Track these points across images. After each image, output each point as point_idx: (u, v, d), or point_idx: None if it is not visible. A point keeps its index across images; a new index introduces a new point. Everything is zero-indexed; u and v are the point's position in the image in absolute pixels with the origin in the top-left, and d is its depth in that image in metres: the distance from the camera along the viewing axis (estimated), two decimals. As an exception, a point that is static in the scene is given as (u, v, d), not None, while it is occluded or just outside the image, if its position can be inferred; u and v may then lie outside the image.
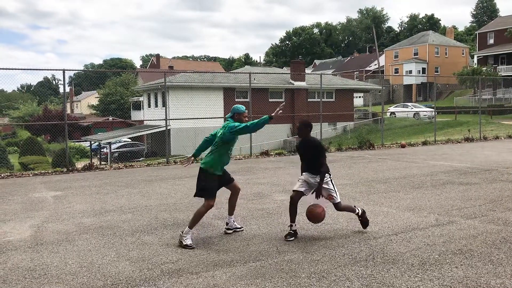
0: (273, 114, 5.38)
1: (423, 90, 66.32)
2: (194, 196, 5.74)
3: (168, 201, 8.17)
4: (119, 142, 35.64)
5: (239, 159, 15.21)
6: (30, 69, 33.17)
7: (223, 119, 29.76)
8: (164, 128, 15.60)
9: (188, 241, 5.34)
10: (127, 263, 4.81)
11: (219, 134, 5.73)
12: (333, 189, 5.59)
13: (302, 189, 5.57)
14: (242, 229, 6.04)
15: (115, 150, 33.98)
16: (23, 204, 8.19)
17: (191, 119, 21.41)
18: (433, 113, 22.94)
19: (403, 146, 18.25)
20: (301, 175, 5.72)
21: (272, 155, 16.19)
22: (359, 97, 59.41)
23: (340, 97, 36.66)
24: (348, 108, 36.26)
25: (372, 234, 5.71)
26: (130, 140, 36.63)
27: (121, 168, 13.61)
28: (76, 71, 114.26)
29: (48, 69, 74.98)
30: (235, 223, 6.05)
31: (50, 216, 7.13)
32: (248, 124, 5.42)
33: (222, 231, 6.00)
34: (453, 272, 4.32)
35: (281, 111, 5.55)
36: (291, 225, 5.65)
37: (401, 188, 8.94)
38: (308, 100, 35.04)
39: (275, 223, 6.41)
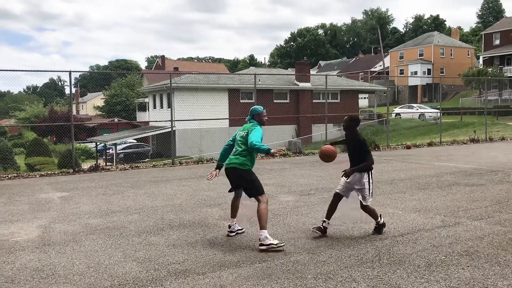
0: (272, 151, 5.41)
1: (428, 91, 66.13)
2: (250, 197, 5.70)
3: (174, 202, 8.20)
4: (125, 143, 35.76)
5: (244, 160, 15.20)
6: (36, 71, 33.62)
7: (228, 120, 29.84)
8: (169, 129, 15.64)
9: (273, 241, 5.23)
10: (134, 264, 4.84)
11: (241, 136, 5.77)
12: (368, 189, 5.65)
13: (339, 191, 5.80)
14: (243, 231, 6.01)
15: (121, 151, 34.09)
16: (30, 204, 8.25)
17: (196, 120, 21.45)
18: (439, 114, 22.87)
19: (408, 147, 18.22)
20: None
21: (277, 156, 16.19)
22: (364, 98, 59.34)
23: (345, 98, 36.59)
24: (353, 109, 36.17)
25: (378, 235, 5.70)
26: (135, 141, 36.74)
27: (127, 169, 13.67)
28: (82, 73, 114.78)
29: (54, 71, 74.93)
30: (237, 225, 6.01)
31: (57, 217, 7.17)
32: (257, 146, 5.44)
33: (227, 232, 6.01)
34: (459, 273, 4.31)
35: (277, 155, 5.77)
36: (324, 221, 5.75)
37: (406, 189, 8.93)
38: (313, 101, 34.99)
39: (280, 224, 6.42)
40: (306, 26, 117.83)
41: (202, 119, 21.01)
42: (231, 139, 6.06)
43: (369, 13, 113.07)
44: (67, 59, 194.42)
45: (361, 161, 5.57)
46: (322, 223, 5.73)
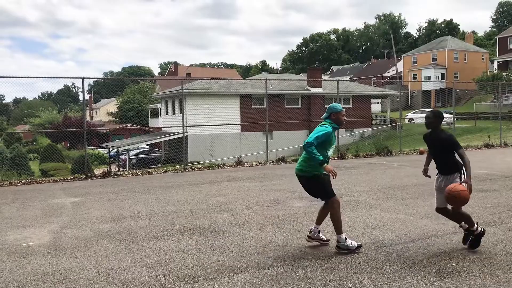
0: (326, 167, 5.13)
1: (442, 96, 65.57)
2: (322, 200, 5.49)
3: (184, 207, 8.22)
4: (137, 148, 36.01)
5: (255, 166, 15.23)
6: (50, 77, 34.42)
7: (239, 126, 29.92)
8: (181, 135, 15.71)
9: (353, 243, 5.17)
10: (143, 269, 4.85)
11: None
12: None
13: (441, 205, 5.33)
14: (327, 242, 5.53)
15: (133, 156, 34.34)
16: (43, 210, 8.33)
17: (208, 125, 21.52)
18: (452, 119, 22.68)
19: (421, 153, 18.05)
20: (436, 176, 5.37)
21: (288, 161, 16.16)
22: (377, 103, 59.06)
23: (357, 103, 36.47)
24: (365, 114, 36.05)
25: (388, 241, 5.66)
26: (148, 146, 36.98)
27: (139, 174, 13.74)
28: (95, 79, 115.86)
29: (67, 77, 76.17)
30: (320, 234, 5.58)
31: (69, 222, 7.23)
32: (308, 149, 5.12)
33: (237, 238, 6.00)
34: (471, 280, 4.26)
35: (327, 173, 5.23)
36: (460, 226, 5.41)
37: (419, 195, 8.84)
38: (325, 106, 34.87)
39: (291, 229, 6.40)
40: (318, 31, 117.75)
41: (214, 125, 21.05)
42: None
43: (382, 18, 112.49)
44: (81, 66, 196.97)
45: (452, 160, 5.12)
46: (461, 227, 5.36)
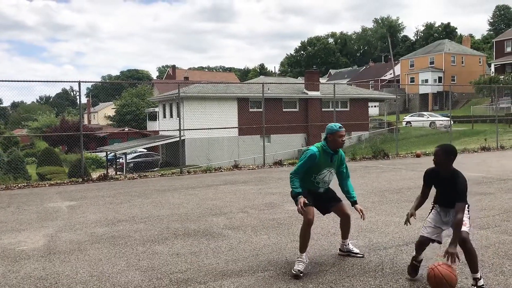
0: (299, 200, 4.68)
1: (439, 99, 65.74)
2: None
3: (180, 211, 8.22)
4: (135, 152, 36.00)
5: (252, 169, 15.24)
6: (47, 81, 34.38)
7: (236, 129, 29.93)
8: (178, 139, 15.73)
9: (300, 267, 4.65)
10: (136, 273, 4.86)
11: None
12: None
13: (428, 235, 4.37)
14: (360, 255, 5.17)
15: (131, 160, 34.31)
16: (38, 213, 8.33)
17: (205, 129, 21.54)
18: (449, 122, 22.77)
19: (418, 156, 18.10)
20: (432, 208, 4.49)
21: (285, 165, 16.18)
22: (375, 106, 59.20)
23: (354, 106, 36.55)
24: (363, 117, 36.12)
25: (382, 244, 5.67)
26: (145, 150, 36.96)
27: (135, 178, 13.75)
28: (93, 83, 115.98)
29: (64, 81, 76.62)
30: (350, 245, 5.28)
31: (64, 226, 7.23)
32: (292, 178, 4.84)
33: (232, 241, 6.00)
34: (463, 283, 4.27)
35: (298, 208, 4.72)
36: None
37: (414, 198, 8.81)
38: (322, 109, 34.99)
39: (285, 233, 6.41)
40: (316, 35, 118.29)
41: (211, 128, 21.08)
42: None
43: (380, 21, 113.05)
44: (80, 70, 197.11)
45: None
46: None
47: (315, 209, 4.94)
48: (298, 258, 4.77)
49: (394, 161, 16.69)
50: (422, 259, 4.48)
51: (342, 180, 5.20)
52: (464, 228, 4.06)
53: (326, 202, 5.10)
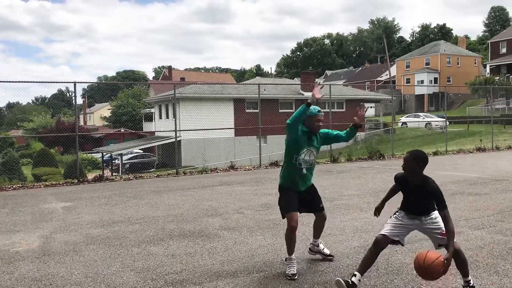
0: (312, 95, 4.59)
1: (435, 100, 65.94)
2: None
3: (175, 212, 8.21)
4: (131, 153, 35.93)
5: (248, 170, 15.25)
6: (43, 82, 34.36)
7: (233, 130, 29.93)
8: (174, 139, 15.72)
9: (292, 271, 4.58)
10: (131, 274, 4.85)
11: None
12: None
13: (387, 234, 4.16)
14: (332, 257, 5.09)
15: (127, 161, 34.25)
16: (33, 215, 8.30)
17: (200, 130, 21.53)
18: (445, 123, 22.85)
19: (413, 157, 18.11)
20: (394, 213, 4.28)
21: (281, 165, 16.17)
22: (371, 107, 59.29)
23: (350, 107, 36.59)
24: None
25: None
26: (141, 151, 36.90)
27: (131, 179, 13.72)
28: (89, 83, 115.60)
29: (60, 82, 76.54)
30: (321, 245, 5.15)
31: (59, 227, 7.21)
32: (288, 121, 4.63)
33: (227, 242, 6.00)
34: (457, 283, 4.28)
35: (318, 93, 4.63)
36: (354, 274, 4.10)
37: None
38: (319, 110, 35.03)
39: (281, 234, 6.39)
40: (312, 36, 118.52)
41: (207, 129, 21.06)
42: None
43: (376, 22, 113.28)
44: (75, 70, 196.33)
45: (431, 206, 4.07)
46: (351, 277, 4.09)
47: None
48: (287, 260, 4.73)
49: (389, 162, 16.73)
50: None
51: (340, 134, 5.07)
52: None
53: (308, 208, 4.97)
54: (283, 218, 4.78)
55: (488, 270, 4.62)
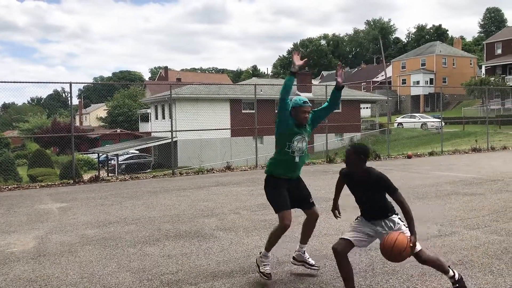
0: (292, 67, 4.43)
1: (430, 100, 66.14)
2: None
3: (171, 212, 8.20)
4: (127, 154, 35.85)
5: (244, 170, 15.24)
6: (38, 82, 34.32)
7: (229, 130, 29.91)
8: (170, 140, 15.71)
9: (267, 269, 4.49)
10: (127, 274, 4.84)
11: None
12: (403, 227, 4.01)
13: (350, 238, 4.02)
14: (316, 268, 4.77)
15: (123, 162, 34.17)
16: (28, 215, 8.27)
17: (197, 130, 21.52)
18: (441, 123, 22.93)
19: (409, 157, 18.19)
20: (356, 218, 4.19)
21: (297, 61, 16.14)
22: (367, 108, 59.38)
23: (347, 108, 36.62)
24: (355, 119, 36.27)
25: (373, 244, 5.65)
26: (137, 152, 36.83)
27: (127, 179, 13.69)
28: (85, 84, 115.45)
29: (55, 82, 76.96)
30: (307, 255, 4.85)
31: (54, 228, 7.19)
32: (280, 93, 4.48)
33: (223, 242, 6.00)
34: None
35: (298, 60, 4.47)
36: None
37: (405, 198, 8.88)
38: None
39: (276, 234, 6.40)
40: (308, 37, 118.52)
41: (203, 129, 21.06)
42: None
43: (372, 23, 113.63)
44: (71, 71, 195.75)
45: (384, 204, 4.02)
46: None
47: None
48: (263, 257, 4.54)
49: (385, 162, 16.76)
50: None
51: (325, 106, 4.77)
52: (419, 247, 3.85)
53: (297, 202, 4.71)
54: (277, 213, 4.55)
55: (483, 270, 4.64)
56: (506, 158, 17.00)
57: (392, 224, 3.99)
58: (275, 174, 4.59)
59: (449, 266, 4.01)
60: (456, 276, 3.98)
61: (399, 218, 4.03)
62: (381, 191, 3.94)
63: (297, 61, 4.51)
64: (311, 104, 4.58)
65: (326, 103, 4.78)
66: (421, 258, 3.88)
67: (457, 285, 3.97)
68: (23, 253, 5.76)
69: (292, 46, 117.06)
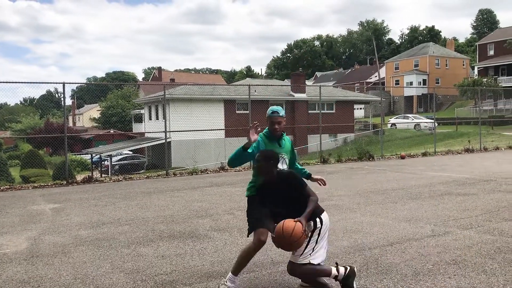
0: (247, 143, 4.22)
1: (423, 101, 66.44)
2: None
3: (165, 213, 8.18)
4: (120, 154, 35.72)
5: (239, 171, 15.24)
6: (31, 82, 34.13)
7: (223, 131, 29.89)
8: (164, 141, 15.67)
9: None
10: (121, 275, 4.82)
11: None
12: (314, 245, 4.04)
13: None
14: None
15: (116, 162, 34.03)
16: (21, 216, 8.22)
17: (190, 131, 21.48)
18: (434, 124, 23.04)
19: (402, 157, 18.26)
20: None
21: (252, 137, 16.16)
22: (360, 108, 59.55)
23: (340, 108, 36.77)
24: (348, 119, 36.36)
25: (367, 244, 5.70)
26: (131, 152, 36.70)
27: (120, 180, 13.64)
28: (78, 84, 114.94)
29: (48, 82, 76.65)
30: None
31: (48, 229, 7.14)
32: (229, 158, 4.33)
33: (218, 243, 6.00)
34: (446, 282, 4.32)
35: (253, 135, 4.25)
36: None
37: (398, 199, 8.94)
38: (309, 111, 35.14)
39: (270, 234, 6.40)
40: (302, 38, 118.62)
41: (197, 130, 21.03)
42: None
43: (365, 24, 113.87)
44: (65, 71, 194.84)
45: (303, 202, 4.02)
46: None
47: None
48: (228, 280, 4.15)
49: (379, 162, 16.82)
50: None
51: (292, 165, 4.60)
52: (313, 259, 3.97)
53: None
54: (251, 232, 4.31)
55: (476, 269, 4.66)
56: (498, 158, 17.11)
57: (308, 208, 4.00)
58: (250, 194, 4.44)
59: (336, 266, 4.10)
60: (341, 271, 4.08)
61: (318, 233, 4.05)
62: (297, 188, 4.05)
63: (253, 137, 4.24)
64: (283, 114, 4.37)
65: (296, 165, 4.66)
66: (296, 271, 4.01)
67: (341, 283, 4.10)
68: (16, 254, 5.72)
69: (286, 47, 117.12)
